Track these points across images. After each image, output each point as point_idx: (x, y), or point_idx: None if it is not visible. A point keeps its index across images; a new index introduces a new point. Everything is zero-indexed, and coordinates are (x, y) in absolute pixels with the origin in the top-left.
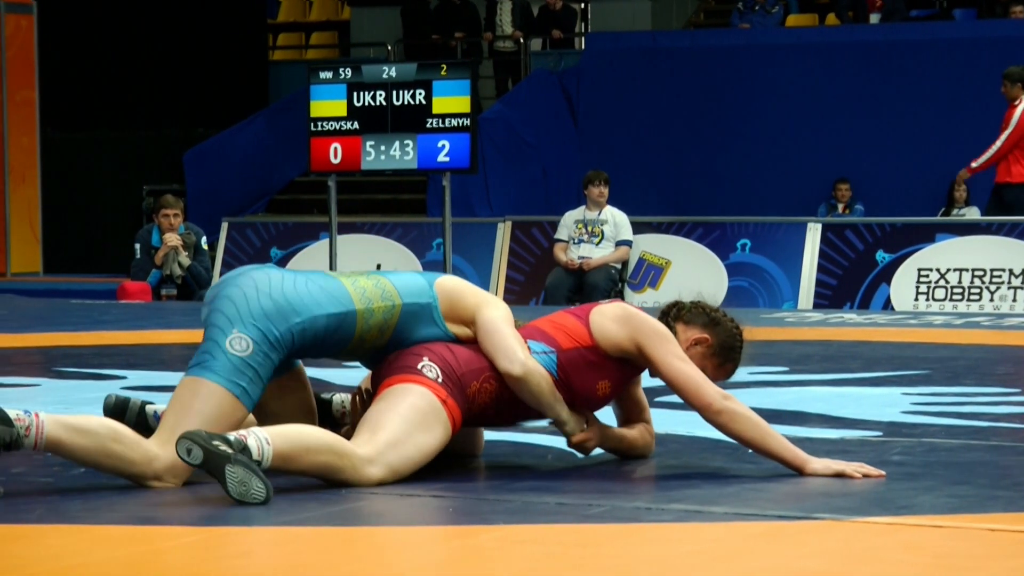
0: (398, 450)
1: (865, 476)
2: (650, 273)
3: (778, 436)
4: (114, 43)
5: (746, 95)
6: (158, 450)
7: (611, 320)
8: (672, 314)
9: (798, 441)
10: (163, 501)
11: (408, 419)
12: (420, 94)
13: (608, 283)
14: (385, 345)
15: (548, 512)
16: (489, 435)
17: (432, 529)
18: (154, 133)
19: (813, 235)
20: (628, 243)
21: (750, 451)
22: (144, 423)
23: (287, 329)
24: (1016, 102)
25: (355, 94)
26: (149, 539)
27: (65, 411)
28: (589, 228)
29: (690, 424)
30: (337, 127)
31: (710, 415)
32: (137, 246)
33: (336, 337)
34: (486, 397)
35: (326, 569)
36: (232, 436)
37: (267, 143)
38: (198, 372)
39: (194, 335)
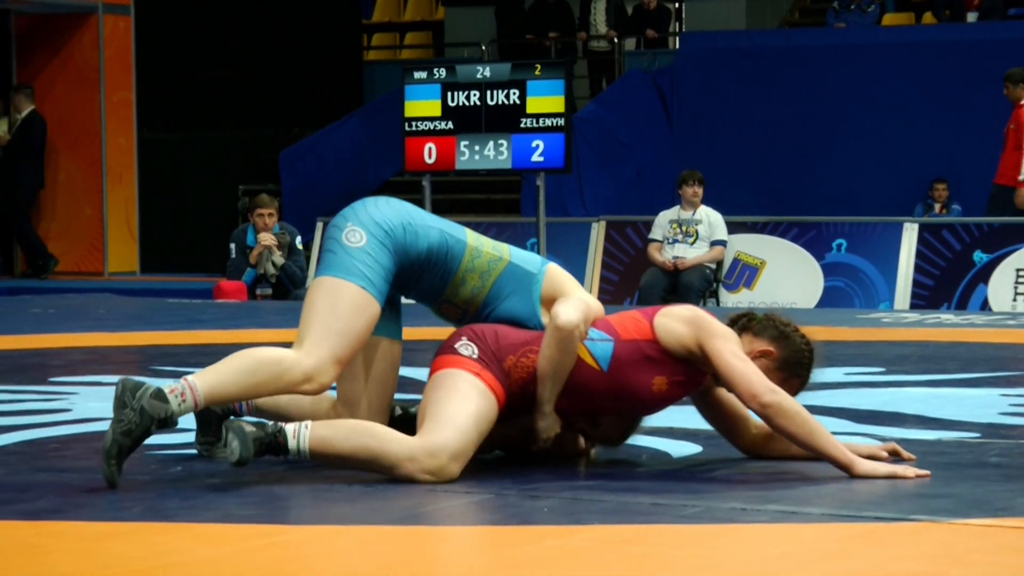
0: (446, 429)
1: (918, 476)
2: (745, 273)
3: (826, 433)
4: (210, 44)
5: (842, 94)
6: (299, 355)
7: (676, 319)
8: (741, 324)
9: (895, 442)
10: (258, 499)
11: (453, 400)
12: (514, 94)
13: (703, 283)
14: (481, 303)
15: (643, 512)
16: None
17: (526, 529)
18: (250, 133)
19: (910, 235)
20: (723, 243)
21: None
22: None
23: (400, 225)
24: (1022, 102)
25: (449, 94)
26: (244, 537)
27: None
28: (683, 228)
29: None
30: (431, 127)
31: (756, 406)
32: (232, 246)
33: (443, 264)
34: (523, 372)
35: (418, 569)
36: (269, 424)
37: (362, 143)
38: (322, 272)
39: (289, 334)
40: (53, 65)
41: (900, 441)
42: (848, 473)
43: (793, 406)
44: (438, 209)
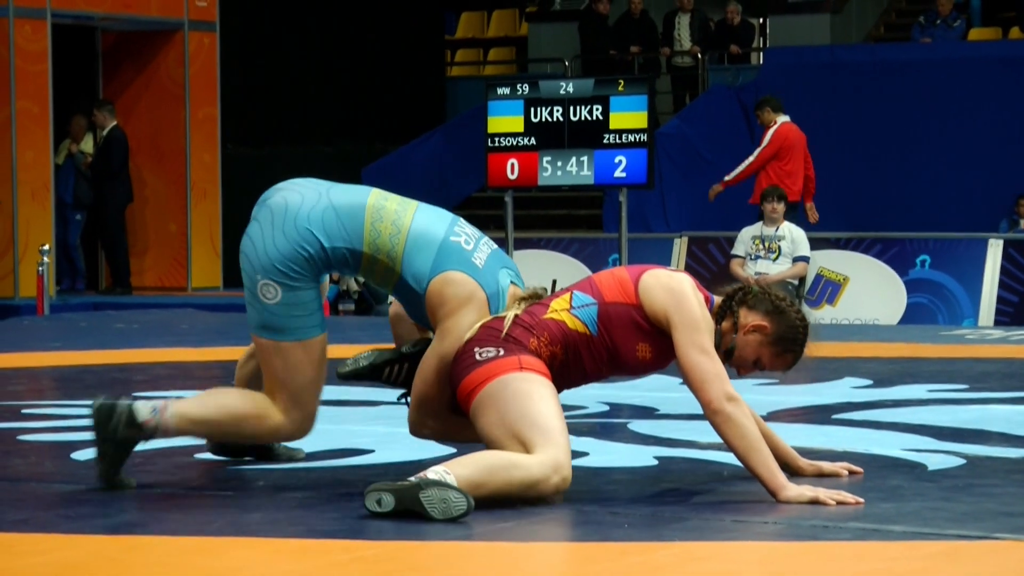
0: (553, 434)
1: (840, 503)
2: (828, 289)
3: (765, 455)
4: (294, 60)
5: (927, 110)
6: (281, 419)
7: (660, 287)
8: (737, 297)
9: (978, 460)
10: (339, 514)
11: (530, 405)
12: (597, 110)
13: None
14: (396, 279)
15: (725, 529)
16: (663, 451)
17: (608, 545)
18: (333, 149)
19: (994, 251)
20: (805, 259)
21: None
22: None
23: (302, 258)
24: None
25: (532, 110)
26: (326, 552)
27: None
28: (766, 244)
29: (869, 442)
30: (514, 143)
31: (708, 412)
32: None
33: (347, 268)
34: (546, 351)
35: None
36: (414, 477)
37: (444, 159)
38: (255, 331)
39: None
40: (138, 82)
41: (983, 459)
42: (774, 498)
43: (742, 420)
44: (520, 224)
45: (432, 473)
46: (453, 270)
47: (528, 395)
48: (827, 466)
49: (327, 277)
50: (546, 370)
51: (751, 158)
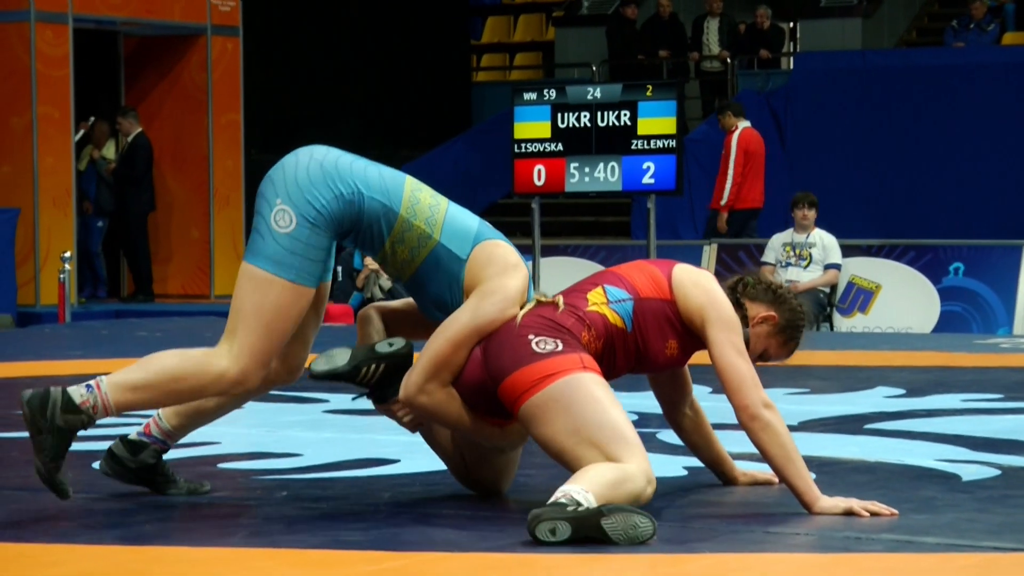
0: (637, 443)
1: (875, 515)
2: (860, 297)
3: (801, 465)
4: (318, 64)
5: (960, 115)
6: (225, 363)
7: (690, 282)
8: (739, 290)
9: (1013, 470)
10: (364, 525)
11: (607, 413)
12: (625, 115)
13: (816, 307)
14: (409, 277)
15: (756, 541)
16: (692, 462)
17: (637, 557)
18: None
19: None
20: (837, 266)
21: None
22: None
23: (333, 197)
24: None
25: (559, 115)
26: (350, 563)
27: (268, 435)
28: (797, 251)
29: (902, 452)
30: (541, 149)
31: (744, 417)
32: (339, 269)
33: (373, 233)
34: (594, 348)
35: None
36: (564, 498)
37: (470, 165)
38: (250, 259)
39: None
40: (161, 87)
41: (1019, 470)
42: (808, 511)
43: (780, 427)
44: (547, 231)
45: (575, 494)
46: (499, 240)
47: (600, 401)
48: (761, 475)
49: (359, 258)
50: (599, 368)
51: (730, 172)
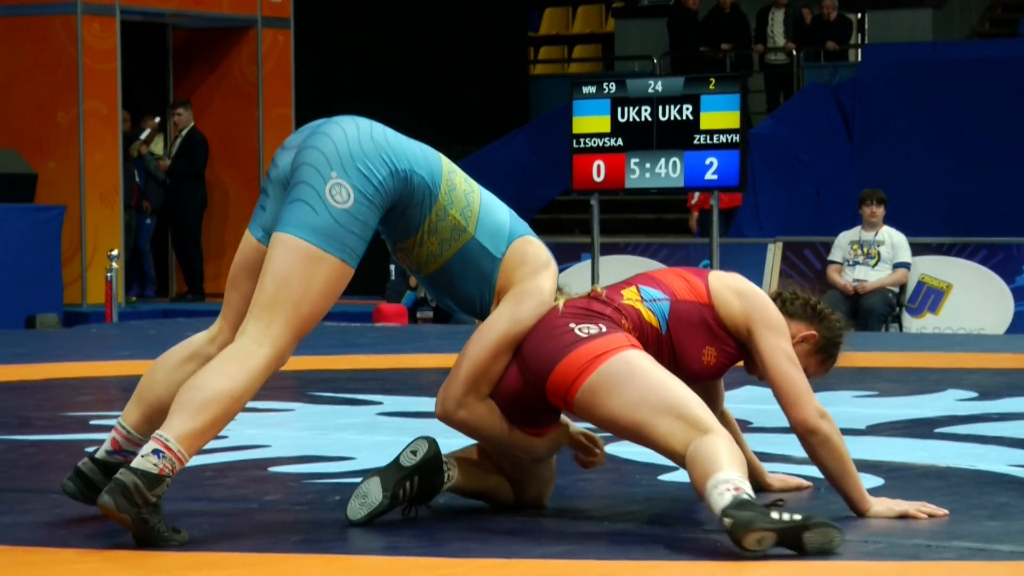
0: (698, 401)
1: (930, 516)
2: (930, 297)
3: (856, 477)
4: (370, 57)
5: None
6: (265, 350)
7: (729, 289)
8: (777, 306)
9: None
10: (417, 531)
11: (663, 388)
12: (687, 109)
13: (885, 308)
14: (434, 271)
15: None
16: None
17: (692, 564)
18: None
19: None
20: (906, 265)
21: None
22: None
23: (389, 174)
24: None
25: (619, 109)
26: (404, 570)
27: (320, 438)
28: (865, 249)
29: (973, 458)
30: (600, 144)
31: (803, 430)
32: (392, 268)
33: (413, 215)
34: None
35: None
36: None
37: (527, 160)
38: (297, 231)
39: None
40: (210, 80)
41: None
42: (862, 516)
43: (837, 439)
44: (606, 229)
45: (742, 494)
46: (530, 236)
47: (658, 369)
48: (794, 480)
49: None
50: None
51: None
